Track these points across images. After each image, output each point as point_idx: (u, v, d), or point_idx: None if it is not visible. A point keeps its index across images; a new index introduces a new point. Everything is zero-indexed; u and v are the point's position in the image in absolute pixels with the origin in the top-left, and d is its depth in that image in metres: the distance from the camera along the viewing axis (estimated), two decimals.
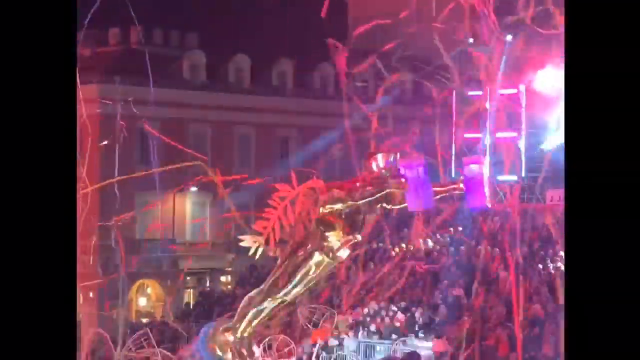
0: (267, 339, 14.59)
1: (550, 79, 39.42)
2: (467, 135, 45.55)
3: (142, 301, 46.91)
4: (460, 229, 39.18)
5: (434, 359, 14.28)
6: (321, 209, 13.49)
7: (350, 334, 31.34)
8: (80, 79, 11.86)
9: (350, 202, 13.33)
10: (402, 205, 13.58)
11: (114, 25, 48.12)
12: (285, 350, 14.61)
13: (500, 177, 34.27)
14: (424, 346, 23.02)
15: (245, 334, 14.15)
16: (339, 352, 19.53)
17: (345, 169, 46.50)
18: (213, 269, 47.97)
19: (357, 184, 13.40)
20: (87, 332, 31.80)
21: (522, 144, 43.34)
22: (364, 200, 13.23)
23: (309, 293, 14.78)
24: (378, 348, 29.71)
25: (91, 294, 41.91)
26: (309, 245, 13.71)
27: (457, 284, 34.25)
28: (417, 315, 32.84)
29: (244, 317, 14.25)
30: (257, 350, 14.22)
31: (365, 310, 33.91)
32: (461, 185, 13.60)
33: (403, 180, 13.08)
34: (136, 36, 48.67)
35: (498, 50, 45.35)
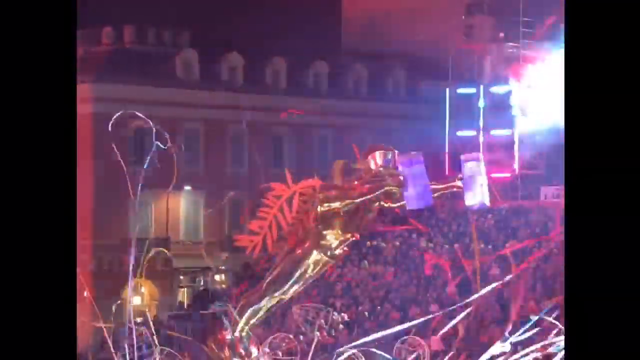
0: (270, 338, 14.52)
1: (543, 76, 39.53)
2: (460, 133, 45.68)
3: (136, 300, 46.85)
4: (455, 227, 39.15)
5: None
6: (319, 208, 13.42)
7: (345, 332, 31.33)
8: None
9: (348, 201, 13.24)
10: (400, 204, 13.50)
11: (107, 25, 48.00)
12: (284, 346, 14.53)
13: (494, 175, 34.30)
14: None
15: (243, 333, 14.10)
16: None
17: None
18: (207, 268, 47.91)
19: (355, 183, 13.33)
20: (84, 332, 31.70)
21: (516, 141, 43.44)
22: (362, 199, 13.15)
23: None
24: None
25: (86, 294, 41.78)
26: (307, 244, 13.65)
27: (452, 282, 34.24)
28: (411, 313, 32.86)
29: (241, 316, 14.19)
30: (254, 350, 14.18)
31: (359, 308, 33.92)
32: (459, 183, 13.50)
33: (401, 178, 12.99)
34: (129, 35, 48.58)
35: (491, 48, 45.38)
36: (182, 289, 47.67)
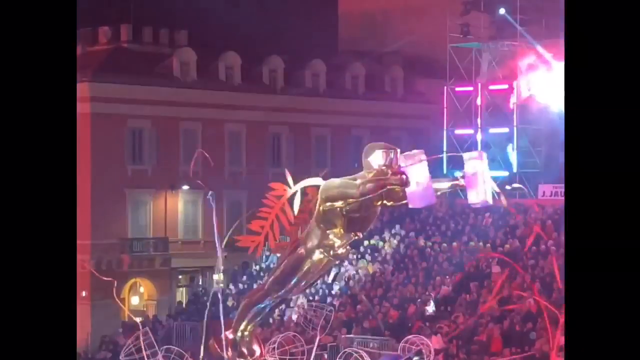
0: (276, 337, 14.46)
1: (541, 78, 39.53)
2: (458, 132, 45.69)
3: (135, 300, 46.83)
4: (453, 225, 39.19)
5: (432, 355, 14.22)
6: (321, 207, 13.32)
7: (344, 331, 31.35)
8: None
9: (350, 200, 13.11)
10: (402, 202, 13.37)
11: (104, 24, 47.95)
12: (289, 347, 14.47)
13: (492, 173, 34.12)
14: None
15: (246, 333, 14.03)
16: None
17: (336, 166, 46.53)
18: (205, 267, 47.88)
19: (358, 181, 13.20)
20: (81, 331, 31.71)
21: (514, 140, 43.45)
22: (364, 198, 13.01)
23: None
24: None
25: (84, 293, 41.80)
26: (310, 243, 13.55)
27: (450, 280, 34.27)
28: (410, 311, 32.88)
29: (244, 315, 14.13)
30: (257, 349, 14.12)
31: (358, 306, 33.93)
32: (462, 182, 13.39)
33: (404, 176, 12.84)
34: (126, 34, 48.53)
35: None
36: (181, 289, 47.64)
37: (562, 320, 27.09)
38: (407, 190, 12.87)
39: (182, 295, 46.97)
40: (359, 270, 36.59)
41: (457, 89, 45.96)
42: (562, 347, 26.93)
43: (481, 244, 36.72)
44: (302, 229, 13.85)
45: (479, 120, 44.70)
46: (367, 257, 37.75)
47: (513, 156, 42.55)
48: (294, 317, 14.49)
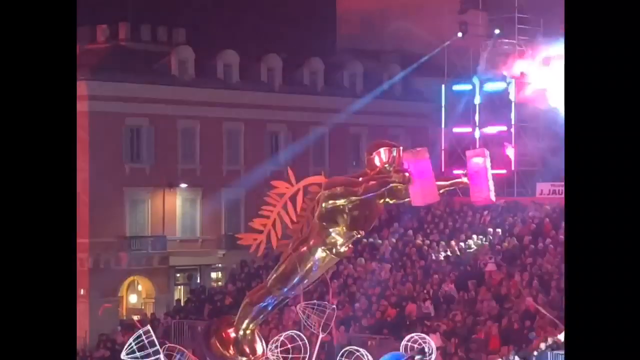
0: (279, 336, 14.40)
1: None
2: (456, 130, 45.71)
3: (133, 298, 46.83)
4: (451, 223, 39.19)
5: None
6: (324, 205, 13.28)
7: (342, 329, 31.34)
8: None
9: (353, 198, 13.06)
10: (405, 200, 13.32)
11: (102, 22, 47.91)
12: (294, 346, 14.42)
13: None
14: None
15: (248, 331, 13.99)
16: None
17: (334, 164, 46.54)
18: (203, 266, 47.89)
19: (360, 179, 13.15)
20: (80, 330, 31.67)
21: (512, 138, 43.47)
22: (367, 196, 12.97)
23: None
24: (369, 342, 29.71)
25: (82, 291, 41.79)
26: (312, 241, 13.50)
27: (448, 279, 34.27)
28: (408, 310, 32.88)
29: (246, 313, 14.08)
30: (259, 347, 14.07)
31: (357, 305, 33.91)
32: (465, 179, 13.33)
33: (407, 174, 12.79)
34: (124, 33, 48.50)
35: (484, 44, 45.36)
36: (179, 287, 47.64)
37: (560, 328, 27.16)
38: (410, 188, 12.81)
39: (180, 293, 46.96)
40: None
41: (455, 87, 45.97)
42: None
43: (479, 242, 36.73)
44: (304, 227, 13.81)
45: (477, 119, 44.72)
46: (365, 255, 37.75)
47: (511, 154, 42.57)
48: (301, 314, 14.41)
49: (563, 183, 43.88)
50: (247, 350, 13.95)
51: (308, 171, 14.38)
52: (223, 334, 14.09)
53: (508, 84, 42.70)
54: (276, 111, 48.67)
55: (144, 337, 13.40)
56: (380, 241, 38.50)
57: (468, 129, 45.18)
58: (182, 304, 42.39)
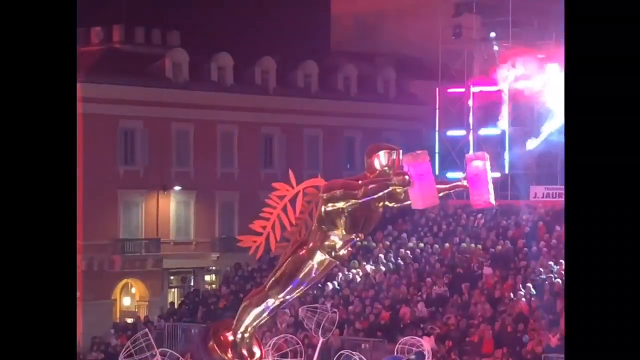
0: (273, 339, 14.34)
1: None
2: (450, 133, 45.73)
3: (127, 301, 46.77)
4: (445, 226, 39.20)
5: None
6: (323, 208, 13.22)
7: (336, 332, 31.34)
8: None
9: (352, 201, 13.00)
10: (405, 203, 13.25)
11: (96, 24, 47.88)
12: (291, 350, 14.37)
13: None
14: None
15: (246, 334, 13.93)
16: None
17: (328, 167, 46.53)
18: (197, 268, 47.85)
19: (360, 182, 13.08)
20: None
21: (505, 141, 43.50)
22: (366, 199, 12.90)
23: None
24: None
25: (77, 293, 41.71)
26: (311, 244, 13.44)
27: (442, 281, 34.27)
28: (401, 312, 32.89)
29: (244, 317, 14.02)
30: (257, 351, 14.01)
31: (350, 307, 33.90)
32: (465, 183, 13.28)
33: (407, 177, 12.72)
34: (118, 35, 48.47)
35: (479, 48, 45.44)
36: (173, 290, 47.59)
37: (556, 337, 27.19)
38: (410, 191, 12.75)
39: (174, 296, 46.92)
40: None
41: (449, 90, 46.00)
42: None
43: (473, 245, 36.75)
44: (302, 229, 13.76)
45: (470, 122, 44.75)
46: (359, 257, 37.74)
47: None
48: (301, 318, 14.33)
49: (556, 186, 44.03)
50: (246, 353, 13.88)
51: (302, 174, 14.29)
52: (221, 337, 14.02)
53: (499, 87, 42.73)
54: (270, 114, 48.66)
55: (141, 340, 13.38)
56: (374, 244, 38.49)
57: (462, 132, 45.21)
58: (175, 307, 42.34)
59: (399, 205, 13.43)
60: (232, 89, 48.34)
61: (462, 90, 45.22)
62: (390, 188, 12.76)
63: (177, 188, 46.67)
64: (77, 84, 42.39)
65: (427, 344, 14.68)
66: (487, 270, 34.08)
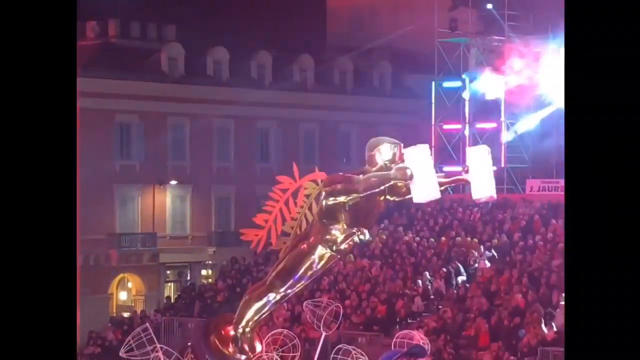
0: (270, 334, 14.33)
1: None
2: (446, 127, 45.77)
3: (123, 295, 46.80)
4: (440, 220, 39.23)
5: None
6: (324, 202, 13.19)
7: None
8: None
9: (354, 195, 12.96)
10: (406, 197, 13.21)
11: (92, 19, 47.82)
12: (290, 345, 14.36)
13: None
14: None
15: (247, 329, 13.91)
16: None
17: (324, 161, 46.53)
18: (193, 263, 47.87)
19: (361, 176, 13.05)
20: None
21: (502, 134, 43.54)
22: (367, 192, 12.86)
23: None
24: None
25: None
26: (312, 238, 13.41)
27: (438, 275, 34.32)
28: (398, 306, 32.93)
29: (245, 311, 13.99)
30: (258, 345, 13.99)
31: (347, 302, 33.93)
32: (466, 176, 13.23)
33: (408, 171, 12.68)
34: (114, 29, 48.42)
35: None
36: (169, 284, 47.62)
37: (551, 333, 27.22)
38: (412, 185, 12.71)
39: (170, 290, 46.95)
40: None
41: (445, 84, 46.02)
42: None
43: (469, 238, 36.78)
44: (301, 223, 13.73)
45: (467, 115, 44.78)
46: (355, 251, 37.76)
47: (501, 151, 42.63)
48: (306, 311, 14.27)
49: (552, 179, 44.00)
50: (247, 348, 13.85)
51: (298, 168, 14.24)
52: (222, 331, 14.00)
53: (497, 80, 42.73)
54: (266, 108, 48.64)
55: (142, 335, 13.39)
56: (370, 238, 38.49)
57: (458, 126, 45.25)
58: (172, 301, 42.36)
59: (400, 199, 13.39)
60: (228, 83, 48.33)
61: (459, 83, 45.24)
62: (392, 182, 12.73)
63: (173, 182, 46.67)
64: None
65: (425, 338, 14.66)
66: (483, 264, 34.13)
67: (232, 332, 13.95)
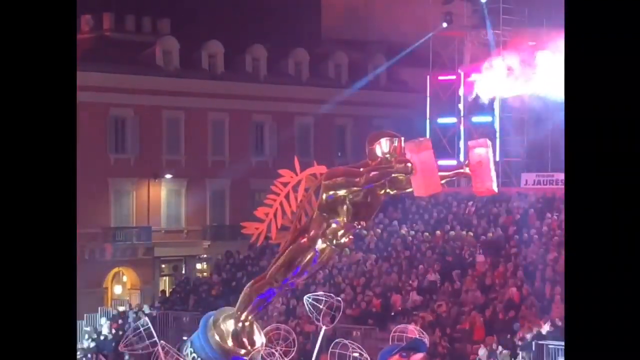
0: (266, 329, 14.31)
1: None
2: (441, 121, 45.77)
3: (118, 289, 46.79)
4: (435, 214, 39.24)
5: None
6: (324, 195, 13.16)
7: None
8: None
9: (354, 188, 12.93)
10: (407, 191, 13.17)
11: (86, 12, 47.77)
12: (285, 338, 14.34)
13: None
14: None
15: (247, 323, 13.89)
16: None
17: (320, 155, 46.54)
18: (188, 256, 47.88)
19: (361, 170, 13.02)
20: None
21: (496, 128, 43.55)
22: (368, 186, 12.83)
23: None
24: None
25: None
26: (312, 232, 13.38)
27: (433, 269, 34.33)
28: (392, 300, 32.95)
29: (245, 305, 13.98)
30: (258, 339, 13.97)
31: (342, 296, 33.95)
32: (467, 170, 13.18)
33: (409, 165, 12.64)
34: (108, 23, 48.36)
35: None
36: (164, 278, 47.62)
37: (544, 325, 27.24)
38: (413, 178, 12.67)
39: (165, 284, 46.95)
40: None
41: (440, 77, 46.01)
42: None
43: (464, 232, 36.80)
44: (301, 217, 13.71)
45: (461, 109, 44.78)
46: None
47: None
48: (307, 306, 14.25)
49: (547, 173, 43.93)
50: (246, 342, 13.83)
51: (293, 162, 14.22)
52: (222, 326, 13.97)
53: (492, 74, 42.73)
54: (261, 102, 48.63)
55: (141, 329, 13.37)
56: (365, 232, 38.53)
57: (453, 120, 45.25)
58: (167, 295, 42.36)
59: (401, 192, 13.37)
60: (222, 76, 48.31)
61: (453, 77, 45.23)
62: (392, 175, 12.69)
63: (168, 176, 46.66)
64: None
65: (423, 332, 14.63)
66: (479, 257, 34.14)
67: (232, 327, 13.94)
